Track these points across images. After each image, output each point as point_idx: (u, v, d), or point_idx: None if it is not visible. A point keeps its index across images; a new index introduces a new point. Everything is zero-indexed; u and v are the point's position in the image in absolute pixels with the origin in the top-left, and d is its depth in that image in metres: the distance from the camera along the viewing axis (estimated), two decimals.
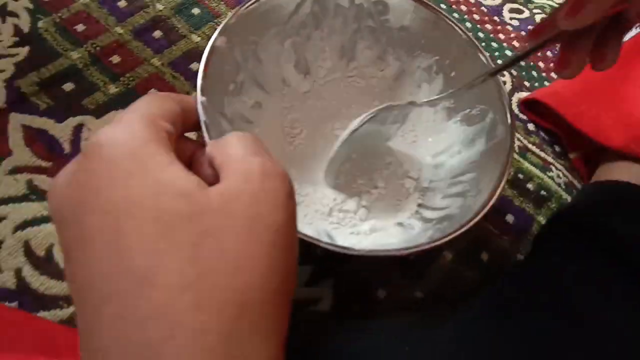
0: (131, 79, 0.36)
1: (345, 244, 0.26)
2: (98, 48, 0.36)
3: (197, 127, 0.23)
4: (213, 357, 0.12)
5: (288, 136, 0.35)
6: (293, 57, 0.35)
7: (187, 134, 0.21)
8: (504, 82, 0.44)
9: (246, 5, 0.30)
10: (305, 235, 0.23)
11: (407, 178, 0.34)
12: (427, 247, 0.25)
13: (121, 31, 0.38)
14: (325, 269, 0.31)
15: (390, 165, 0.34)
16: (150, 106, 0.17)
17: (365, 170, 0.34)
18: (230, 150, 0.16)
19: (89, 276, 0.13)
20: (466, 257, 0.34)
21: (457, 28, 0.32)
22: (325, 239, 0.28)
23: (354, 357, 0.24)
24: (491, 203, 0.25)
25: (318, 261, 0.32)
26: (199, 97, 0.25)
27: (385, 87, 0.37)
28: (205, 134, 0.24)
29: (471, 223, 0.25)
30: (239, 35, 0.30)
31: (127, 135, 0.15)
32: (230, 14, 0.29)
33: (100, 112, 0.34)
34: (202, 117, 0.24)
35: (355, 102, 0.36)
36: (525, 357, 0.24)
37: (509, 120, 0.29)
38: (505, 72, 0.44)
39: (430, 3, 0.33)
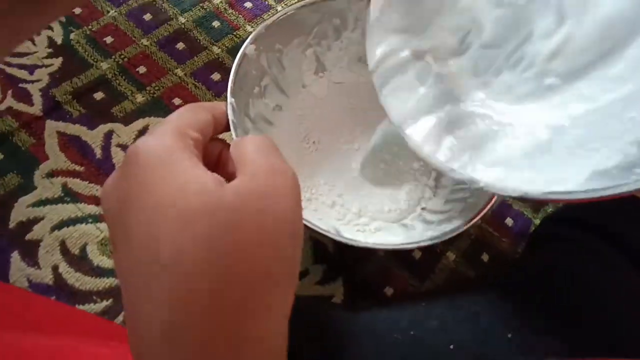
0: (156, 88, 0.38)
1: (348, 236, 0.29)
2: (126, 59, 0.39)
3: (228, 128, 0.25)
4: (228, 326, 0.15)
5: (304, 136, 0.37)
6: (314, 65, 0.38)
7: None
8: None
9: (275, 17, 0.33)
10: (317, 226, 0.25)
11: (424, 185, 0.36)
12: (426, 244, 0.27)
13: (147, 43, 0.40)
14: (337, 267, 0.33)
15: (416, 170, 0.36)
16: (182, 118, 0.19)
17: (394, 171, 0.36)
18: (245, 150, 0.19)
19: (129, 264, 0.16)
20: (468, 257, 0.36)
21: None
22: (333, 232, 0.31)
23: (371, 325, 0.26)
24: (485, 210, 0.27)
25: (331, 260, 0.34)
26: (229, 98, 0.28)
27: None
28: (233, 132, 0.26)
29: (467, 226, 0.27)
30: (266, 44, 0.33)
31: (158, 144, 0.17)
32: (261, 25, 0.32)
33: (128, 119, 0.36)
34: (231, 117, 0.26)
35: (370, 107, 0.38)
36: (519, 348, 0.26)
37: None
38: None
39: None
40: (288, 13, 0.34)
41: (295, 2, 0.46)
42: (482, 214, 0.28)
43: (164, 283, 0.15)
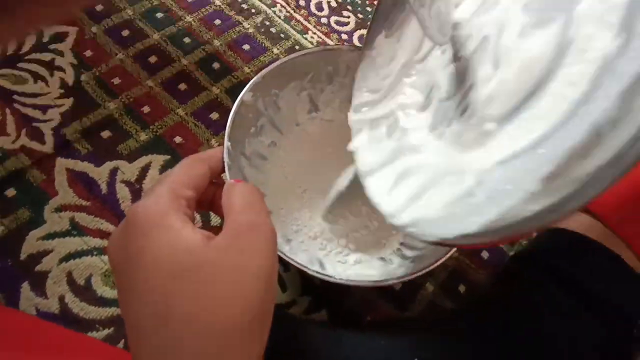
0: (159, 127, 0.40)
1: (333, 272, 0.31)
2: (131, 99, 0.41)
3: (224, 170, 0.28)
4: None
5: (296, 170, 0.39)
6: (307, 105, 0.40)
7: None
8: None
9: (272, 66, 0.35)
10: (296, 262, 0.28)
11: None
12: (402, 280, 0.29)
13: (151, 84, 0.42)
14: (322, 299, 0.35)
15: None
16: (179, 176, 0.22)
17: (362, 212, 0.38)
18: (232, 201, 0.21)
19: (131, 313, 0.19)
20: (446, 289, 0.38)
21: None
22: (316, 265, 0.33)
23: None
24: (454, 249, 0.29)
25: (316, 292, 0.35)
26: (226, 143, 0.30)
27: None
28: (227, 174, 0.29)
29: (436, 264, 0.29)
30: (263, 90, 0.35)
31: (154, 208, 0.19)
32: (258, 75, 0.34)
33: (132, 157, 0.38)
34: (226, 160, 0.29)
35: None
36: None
37: None
38: None
39: None
40: (284, 62, 0.36)
41: (288, 45, 0.49)
42: (450, 253, 0.30)
43: (158, 332, 0.17)
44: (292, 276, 0.36)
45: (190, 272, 0.18)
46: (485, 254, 0.40)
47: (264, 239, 0.20)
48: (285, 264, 0.36)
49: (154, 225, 0.19)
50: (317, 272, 0.28)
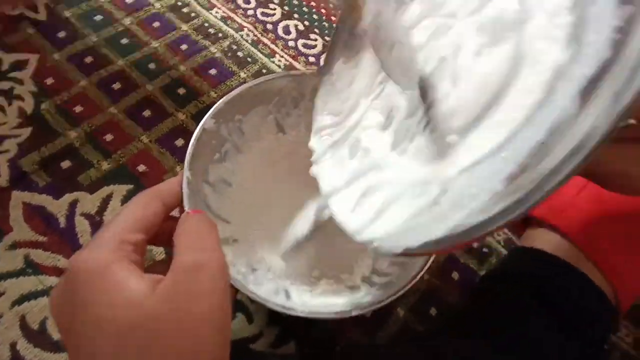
0: (122, 155, 0.39)
1: (299, 301, 0.29)
2: (93, 127, 0.40)
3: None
4: None
5: (262, 194, 0.38)
6: (274, 128, 0.39)
7: None
8: None
9: (235, 91, 0.34)
10: (257, 295, 0.27)
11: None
12: (367, 309, 0.28)
13: (115, 111, 0.41)
14: (290, 328, 0.34)
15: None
16: (126, 221, 0.20)
17: (328, 242, 0.37)
18: (180, 239, 0.20)
19: None
20: (417, 312, 0.37)
21: None
22: (281, 295, 0.32)
23: None
24: (419, 276, 0.28)
25: (284, 322, 0.34)
26: (186, 172, 0.29)
27: None
28: (186, 204, 0.28)
29: (400, 293, 0.28)
30: (226, 116, 0.34)
31: (94, 259, 0.18)
32: (220, 101, 0.33)
33: (93, 188, 0.37)
34: (185, 190, 0.28)
35: None
36: None
37: None
38: None
39: None
40: (248, 87, 0.35)
41: (256, 69, 0.48)
42: (416, 278, 0.29)
43: None
44: (259, 306, 0.34)
45: (135, 329, 0.17)
46: (455, 275, 0.39)
47: (211, 278, 0.19)
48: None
49: (96, 278, 0.17)
50: (278, 305, 0.27)
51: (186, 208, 0.28)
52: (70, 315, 0.17)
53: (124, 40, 0.46)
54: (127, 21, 0.47)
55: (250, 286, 0.29)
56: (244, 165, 0.37)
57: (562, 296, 0.31)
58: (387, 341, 0.35)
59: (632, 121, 0.20)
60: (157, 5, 0.50)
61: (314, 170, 0.30)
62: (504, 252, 0.42)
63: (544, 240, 0.36)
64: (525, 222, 0.42)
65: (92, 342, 0.17)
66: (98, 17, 0.47)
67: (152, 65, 0.45)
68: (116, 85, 0.43)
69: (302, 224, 0.31)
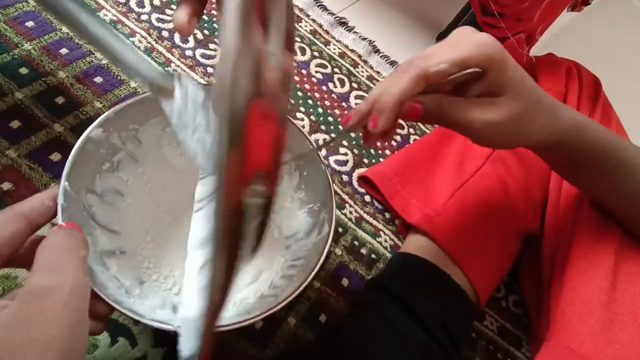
0: None
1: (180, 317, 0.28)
2: None
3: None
4: None
5: (160, 207, 0.36)
6: (174, 139, 0.37)
7: None
8: (347, 161, 0.50)
9: (127, 101, 0.32)
10: (128, 310, 0.25)
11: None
12: (253, 319, 0.27)
13: None
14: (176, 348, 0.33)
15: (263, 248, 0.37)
16: None
17: None
18: (38, 257, 0.19)
19: None
20: (307, 320, 0.38)
21: (307, 140, 0.37)
22: (168, 309, 0.30)
23: None
24: (297, 292, 0.29)
25: (171, 341, 0.33)
26: (62, 183, 0.27)
27: None
28: (60, 217, 0.26)
29: (281, 305, 0.28)
30: (117, 125, 0.32)
31: None
32: (110, 110, 0.31)
33: None
34: (60, 202, 0.26)
35: None
36: None
37: (333, 224, 0.33)
38: (348, 151, 0.51)
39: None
40: (142, 98, 0.33)
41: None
42: (292, 296, 0.29)
43: None
44: (143, 327, 0.33)
45: None
46: (345, 282, 0.41)
47: (60, 303, 0.17)
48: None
49: None
50: (154, 321, 0.25)
51: (60, 221, 0.25)
52: None
53: None
54: None
55: (134, 300, 0.27)
56: (139, 176, 0.35)
57: (425, 298, 0.34)
58: (275, 352, 0.36)
59: (470, 71, 0.23)
60: (32, 2, 0.44)
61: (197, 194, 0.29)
62: (390, 256, 0.45)
63: (418, 245, 0.39)
64: (407, 227, 0.45)
65: None
66: None
67: (23, 70, 0.40)
68: None
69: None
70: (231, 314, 0.32)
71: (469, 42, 0.24)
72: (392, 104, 0.23)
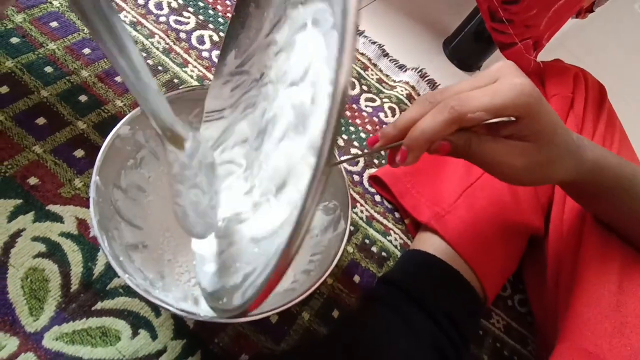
0: (9, 167, 0.35)
1: (207, 308, 0.29)
2: None
3: None
4: None
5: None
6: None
7: None
8: (358, 161, 0.51)
9: None
10: (159, 300, 0.26)
11: None
12: (273, 311, 0.28)
13: (1, 117, 0.37)
14: (196, 340, 0.33)
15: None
16: None
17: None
18: None
19: None
20: (321, 315, 0.38)
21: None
22: (190, 302, 0.31)
23: None
24: (314, 288, 0.30)
25: (190, 334, 0.33)
26: (94, 177, 0.29)
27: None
28: (92, 210, 0.27)
29: (296, 300, 0.29)
30: (143, 124, 0.33)
31: None
32: (137, 109, 0.32)
33: None
34: (92, 195, 0.28)
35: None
36: None
37: (349, 220, 0.34)
38: (359, 151, 0.51)
39: None
40: (169, 97, 0.34)
41: (167, 78, 0.46)
42: (307, 293, 0.30)
43: None
44: (163, 320, 0.33)
45: None
46: (357, 279, 0.42)
47: None
48: (156, 309, 0.34)
49: None
50: (183, 311, 0.26)
51: (92, 214, 0.27)
52: None
53: (15, 40, 0.41)
54: (18, 18, 0.42)
55: (158, 292, 0.28)
56: (160, 172, 0.36)
57: (435, 294, 0.35)
58: (292, 345, 0.36)
59: (505, 119, 0.24)
60: (56, 3, 0.45)
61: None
62: (399, 254, 0.45)
63: (428, 243, 0.40)
64: (416, 226, 0.46)
65: None
66: None
67: (48, 69, 0.41)
68: (3, 89, 0.38)
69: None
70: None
71: (509, 88, 0.23)
72: (424, 143, 0.23)
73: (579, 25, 0.99)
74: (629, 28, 1.21)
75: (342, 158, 0.34)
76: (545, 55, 0.55)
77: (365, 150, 0.31)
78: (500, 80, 0.24)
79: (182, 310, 0.26)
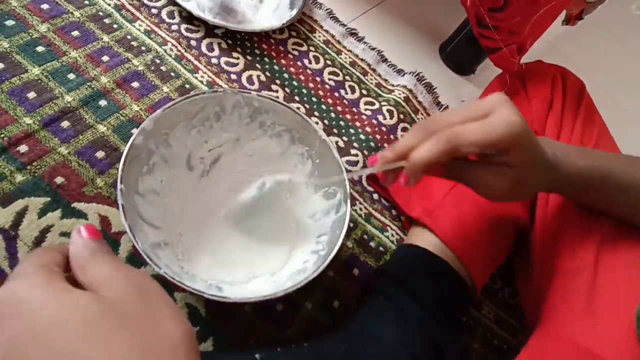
0: (38, 167, 0.38)
1: (230, 293, 0.32)
2: (6, 138, 0.38)
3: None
4: None
5: (189, 200, 0.40)
6: (198, 141, 0.41)
7: None
8: (357, 161, 0.53)
9: (160, 110, 0.36)
10: (188, 286, 0.29)
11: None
12: (287, 290, 0.31)
13: (30, 121, 0.39)
14: (207, 328, 0.36)
15: (290, 227, 0.41)
16: (43, 257, 0.20)
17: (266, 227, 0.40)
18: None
19: None
20: (322, 305, 0.41)
21: (318, 131, 0.41)
22: (213, 289, 0.33)
23: None
24: (326, 263, 0.33)
25: (202, 322, 0.36)
26: (119, 185, 0.31)
27: (272, 162, 0.44)
28: (122, 216, 0.30)
29: (308, 279, 0.32)
30: (154, 132, 0.36)
31: (28, 285, 0.18)
32: (148, 119, 0.35)
33: (6, 201, 0.35)
34: (120, 201, 0.30)
35: (243, 170, 0.43)
36: None
37: (349, 203, 0.38)
38: (358, 152, 0.54)
39: (299, 112, 0.41)
40: (173, 105, 0.37)
41: (179, 84, 0.49)
42: (320, 269, 0.33)
43: None
44: (178, 309, 0.36)
45: (99, 319, 0.17)
46: (356, 271, 0.45)
47: (71, 314, 0.17)
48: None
49: (40, 295, 0.17)
50: (215, 295, 0.30)
51: (123, 219, 0.30)
52: (16, 352, 0.16)
53: (40, 48, 0.44)
54: (42, 28, 0.45)
55: (187, 282, 0.30)
56: (170, 175, 0.39)
57: (425, 283, 0.38)
58: (294, 333, 0.39)
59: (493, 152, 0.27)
60: (77, 13, 0.48)
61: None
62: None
63: (419, 237, 0.43)
64: (411, 223, 0.49)
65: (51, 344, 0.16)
66: (10, 22, 0.44)
67: (71, 76, 0.43)
68: (31, 95, 0.41)
69: (248, 193, 0.38)
70: (268, 290, 0.35)
71: (502, 125, 0.26)
72: (422, 169, 0.27)
73: (575, 28, 1.01)
74: (626, 30, 1.23)
75: (346, 175, 0.38)
76: (544, 58, 0.57)
77: (366, 168, 0.34)
78: (494, 115, 0.27)
79: (214, 295, 0.29)
